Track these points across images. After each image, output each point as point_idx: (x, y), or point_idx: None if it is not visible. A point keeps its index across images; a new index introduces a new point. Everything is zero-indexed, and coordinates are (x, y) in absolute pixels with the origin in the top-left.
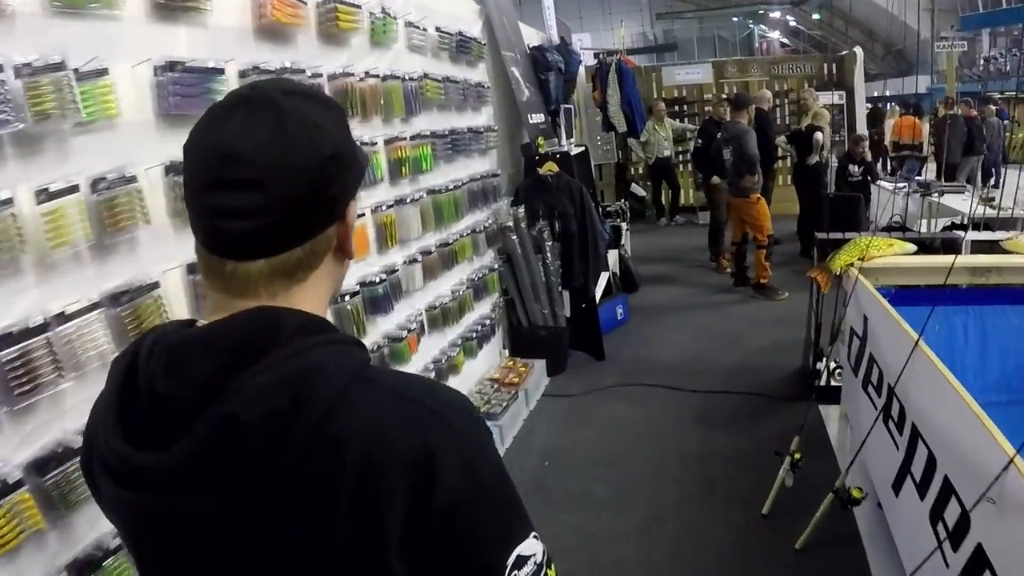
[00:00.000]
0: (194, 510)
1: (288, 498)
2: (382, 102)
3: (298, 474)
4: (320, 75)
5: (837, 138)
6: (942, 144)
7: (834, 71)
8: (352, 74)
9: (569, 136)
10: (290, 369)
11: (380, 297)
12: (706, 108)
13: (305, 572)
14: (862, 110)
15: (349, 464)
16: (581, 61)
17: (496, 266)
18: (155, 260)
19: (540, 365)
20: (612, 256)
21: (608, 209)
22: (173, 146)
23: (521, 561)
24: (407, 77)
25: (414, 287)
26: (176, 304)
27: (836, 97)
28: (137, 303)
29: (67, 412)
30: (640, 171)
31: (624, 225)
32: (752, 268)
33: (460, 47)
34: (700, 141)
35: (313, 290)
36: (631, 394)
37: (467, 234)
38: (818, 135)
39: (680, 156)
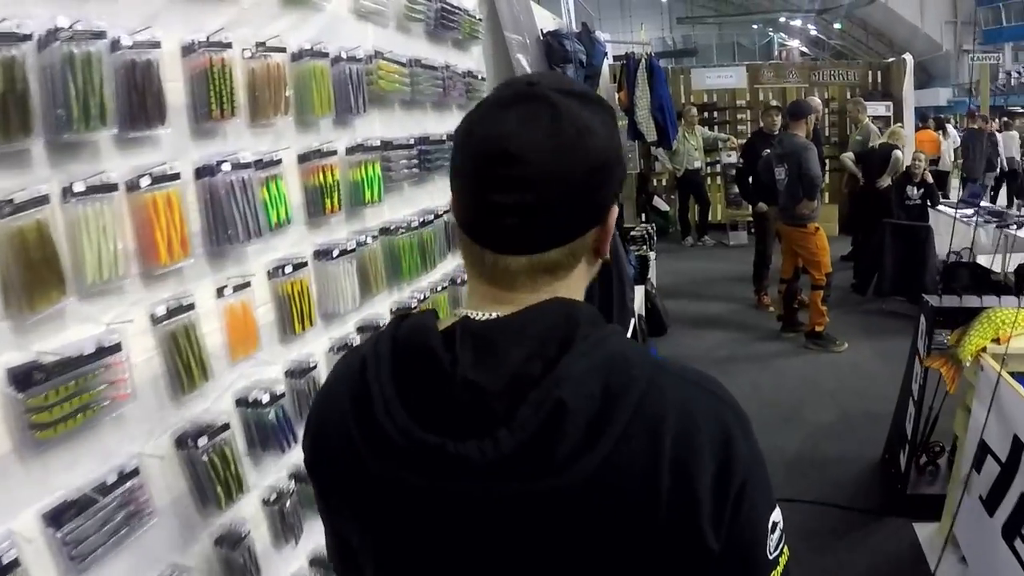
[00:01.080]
0: (511, 494)
1: (610, 477)
2: (287, 94)
3: (621, 452)
4: (155, 44)
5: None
6: (971, 160)
7: (879, 79)
8: (226, 45)
9: None
10: (599, 356)
11: (272, 425)
12: (739, 116)
13: (621, 549)
14: (911, 123)
15: (668, 440)
16: (607, 53)
17: None
18: None
19: None
20: (638, 294)
21: (632, 234)
22: None
23: (774, 526)
24: (344, 56)
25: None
26: None
27: (883, 108)
28: None
29: None
30: (663, 182)
31: (652, 254)
32: (804, 310)
33: (443, 20)
34: (742, 161)
35: (572, 287)
36: None
37: (443, 288)
38: (898, 154)
39: (710, 168)
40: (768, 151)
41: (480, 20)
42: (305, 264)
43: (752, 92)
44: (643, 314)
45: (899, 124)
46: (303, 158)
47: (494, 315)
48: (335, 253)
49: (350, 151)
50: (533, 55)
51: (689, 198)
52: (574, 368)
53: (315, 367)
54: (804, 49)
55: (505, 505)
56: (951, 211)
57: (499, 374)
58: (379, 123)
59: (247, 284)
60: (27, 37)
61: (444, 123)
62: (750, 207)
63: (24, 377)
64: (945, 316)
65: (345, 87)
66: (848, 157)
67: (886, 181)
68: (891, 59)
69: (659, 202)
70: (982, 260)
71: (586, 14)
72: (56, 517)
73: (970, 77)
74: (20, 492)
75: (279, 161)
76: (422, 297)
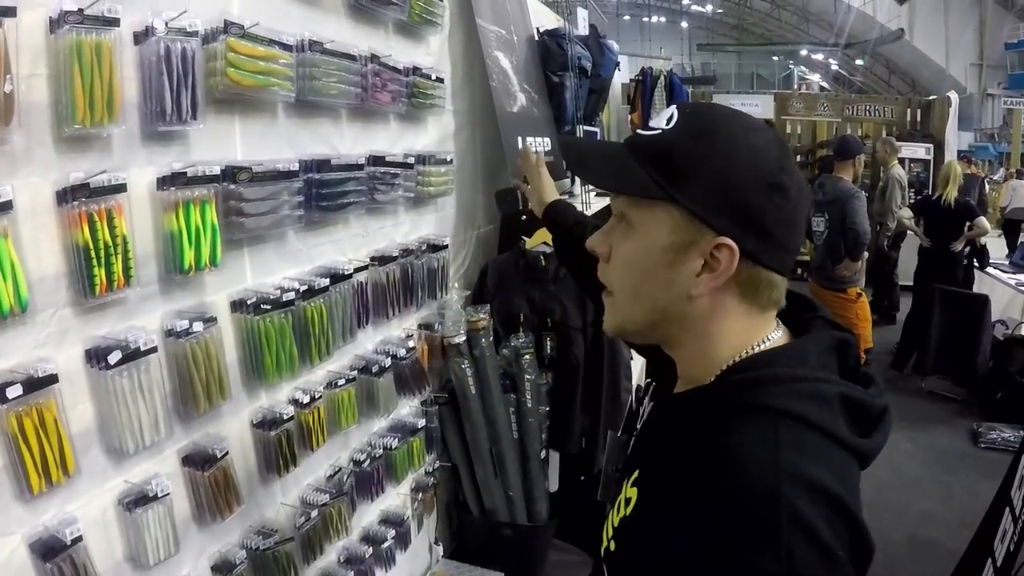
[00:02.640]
0: None
1: None
2: (7, 89)
3: None
4: None
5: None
6: None
7: (918, 117)
8: None
9: None
10: None
11: None
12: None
13: None
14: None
15: None
16: (618, 64)
17: (423, 423)
18: None
19: None
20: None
21: None
22: None
23: None
24: (158, 27)
25: (149, 557)
26: None
27: (922, 151)
28: None
29: None
30: None
31: None
32: None
33: None
34: None
35: None
36: None
37: (348, 379)
38: (982, 221)
39: None
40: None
41: (441, 1)
42: (52, 379)
43: (779, 123)
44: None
45: (955, 160)
46: (63, 197)
47: None
48: (113, 358)
49: (164, 183)
50: (520, 56)
51: None
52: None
53: (78, 540)
54: (824, 84)
55: None
56: (1002, 275)
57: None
58: (240, 139)
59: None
60: None
61: (365, 140)
62: None
63: None
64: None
65: (158, 79)
66: (906, 216)
67: (960, 244)
68: (932, 97)
69: None
70: None
71: (599, 17)
72: None
73: (993, 122)
74: None
75: (5, 205)
76: (307, 400)
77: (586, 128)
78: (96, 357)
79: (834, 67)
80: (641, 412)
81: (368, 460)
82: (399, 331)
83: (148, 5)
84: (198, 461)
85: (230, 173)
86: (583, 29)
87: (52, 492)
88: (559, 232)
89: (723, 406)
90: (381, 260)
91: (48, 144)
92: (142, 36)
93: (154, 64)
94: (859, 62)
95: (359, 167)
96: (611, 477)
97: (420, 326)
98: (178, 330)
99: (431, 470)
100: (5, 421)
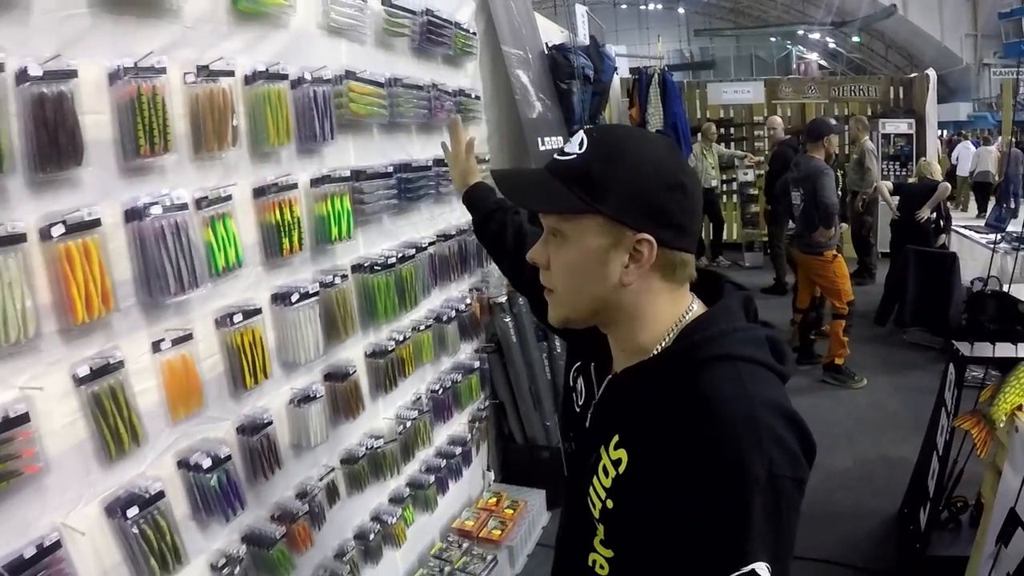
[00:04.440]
0: None
1: None
2: (235, 123)
3: None
4: (71, 73)
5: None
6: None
7: (900, 95)
8: (160, 70)
9: None
10: None
11: (215, 491)
12: (757, 132)
13: None
14: (934, 141)
15: None
16: (616, 68)
17: (478, 364)
18: None
19: (538, 498)
20: None
21: None
22: None
23: None
24: (308, 77)
25: (309, 440)
26: None
27: (905, 125)
28: None
29: None
30: None
31: None
32: (821, 341)
33: (430, 35)
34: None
35: None
36: None
37: (427, 326)
38: (946, 187)
39: (726, 186)
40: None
41: (474, 34)
42: (258, 311)
43: (770, 107)
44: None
45: (924, 159)
46: (258, 193)
47: None
48: (295, 297)
49: (315, 183)
50: (535, 70)
51: (703, 217)
52: None
53: (270, 423)
54: (822, 62)
55: None
56: (976, 235)
57: None
58: (353, 151)
59: (188, 336)
60: None
61: (431, 147)
62: (766, 227)
63: None
64: (977, 365)
65: (309, 112)
66: (887, 186)
67: (926, 213)
68: (913, 74)
69: None
70: (1014, 290)
71: (599, 27)
72: None
73: (991, 91)
74: None
75: (228, 198)
76: (402, 338)
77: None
78: (279, 298)
79: (831, 45)
80: (578, 388)
81: (441, 389)
82: (458, 292)
83: (300, 63)
84: (336, 376)
85: (355, 175)
86: (584, 38)
87: (257, 389)
88: (479, 214)
89: (689, 361)
90: (444, 237)
91: (247, 158)
92: (296, 84)
93: (305, 102)
94: (855, 39)
95: (428, 168)
96: (572, 452)
97: (472, 288)
98: (326, 282)
99: (483, 407)
100: (230, 338)
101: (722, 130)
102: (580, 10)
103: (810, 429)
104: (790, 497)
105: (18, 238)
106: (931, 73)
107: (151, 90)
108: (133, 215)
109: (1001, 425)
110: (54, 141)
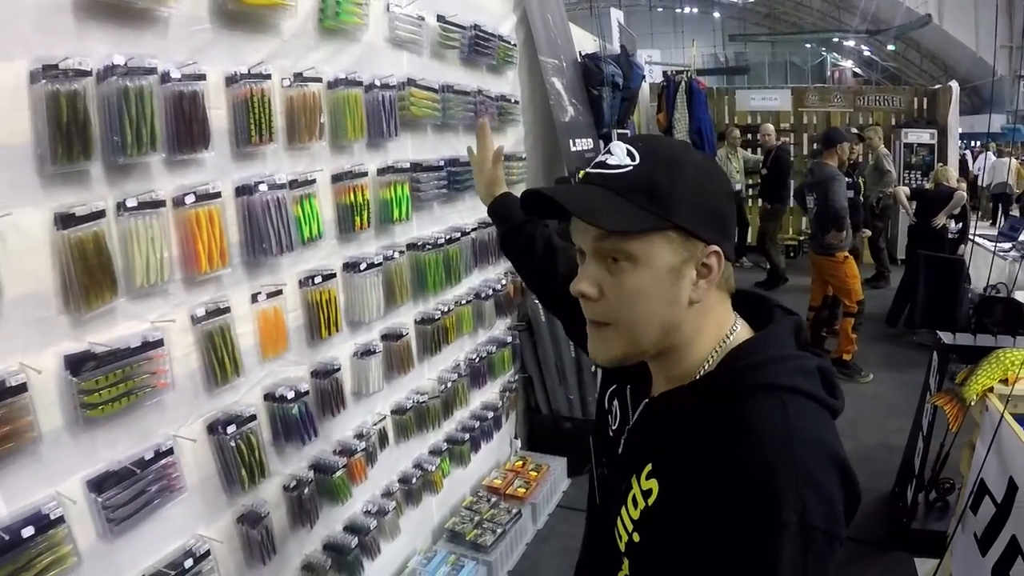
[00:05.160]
0: None
1: None
2: (322, 120)
3: None
4: (200, 77)
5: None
6: None
7: (924, 105)
8: (266, 76)
9: None
10: None
11: (295, 419)
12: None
13: None
14: (955, 151)
15: None
16: (644, 76)
17: (510, 339)
18: None
19: (560, 464)
20: None
21: None
22: None
23: None
24: (377, 83)
25: (368, 388)
26: None
27: (927, 136)
28: None
29: None
30: None
31: None
32: (832, 339)
33: (477, 47)
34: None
35: None
36: None
37: (467, 301)
38: (962, 195)
39: (750, 190)
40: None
41: (515, 46)
42: (334, 275)
43: (796, 115)
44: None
45: (941, 165)
46: (336, 178)
47: None
48: (363, 266)
49: (381, 172)
50: (569, 78)
51: None
52: None
53: (339, 369)
54: (857, 70)
55: None
56: (989, 244)
57: None
58: (411, 146)
59: (279, 292)
60: (87, 73)
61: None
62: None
63: (78, 364)
64: (958, 354)
65: (378, 113)
66: (903, 192)
67: (942, 219)
68: (937, 86)
69: None
70: (1020, 296)
71: (630, 37)
72: (99, 484)
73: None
74: (68, 461)
75: (313, 181)
76: (446, 309)
77: (619, 131)
78: (350, 266)
79: (866, 53)
80: (612, 411)
81: (477, 358)
82: (494, 274)
83: (371, 71)
84: (392, 337)
85: (413, 166)
86: (615, 47)
87: (328, 341)
88: (506, 226)
89: (731, 389)
90: (485, 225)
91: (327, 150)
92: (368, 89)
93: (375, 105)
94: (890, 47)
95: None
96: (604, 477)
97: (507, 272)
98: (387, 256)
99: (514, 379)
100: (310, 296)
101: (748, 135)
102: (614, 18)
103: (858, 479)
104: (820, 552)
105: (159, 203)
106: (954, 85)
107: (260, 92)
108: (244, 190)
109: (972, 403)
110: (189, 130)
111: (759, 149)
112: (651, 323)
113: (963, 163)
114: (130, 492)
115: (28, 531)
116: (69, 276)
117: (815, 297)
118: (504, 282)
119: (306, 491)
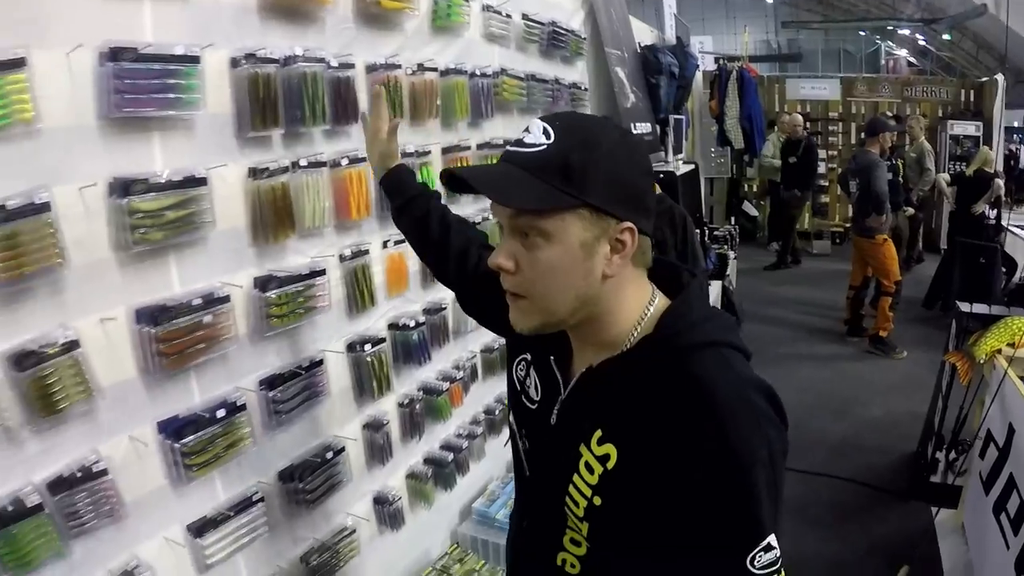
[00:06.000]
0: None
1: None
2: (438, 102)
3: None
4: (351, 66)
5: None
6: None
7: (971, 98)
8: (398, 66)
9: (678, 152)
10: None
11: (414, 345)
12: (831, 127)
13: None
14: (1000, 143)
15: None
16: (699, 66)
17: None
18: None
19: None
20: (714, 289)
21: (716, 233)
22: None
23: None
24: (477, 72)
25: (467, 327)
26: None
27: (972, 128)
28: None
29: None
30: (754, 188)
31: (732, 253)
32: (870, 318)
33: (553, 40)
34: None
35: None
36: None
37: None
38: (999, 183)
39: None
40: (848, 165)
41: (584, 39)
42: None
43: (845, 105)
44: (719, 306)
45: (983, 147)
46: (445, 151)
47: None
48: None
49: (480, 147)
50: (630, 67)
51: (767, 200)
52: None
53: (445, 308)
54: (911, 59)
55: None
56: (1021, 232)
57: None
58: (502, 125)
59: (403, 241)
60: (276, 60)
61: None
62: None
63: (264, 283)
64: (973, 320)
65: (477, 97)
66: (944, 178)
67: (981, 207)
68: (984, 79)
69: (748, 207)
70: None
71: (685, 28)
72: (270, 383)
73: None
74: (248, 362)
75: (429, 152)
76: None
77: (675, 116)
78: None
79: (921, 42)
80: (529, 383)
81: None
82: None
83: (472, 62)
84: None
85: (504, 143)
86: (671, 38)
87: (435, 285)
88: (400, 199)
89: (674, 350)
90: None
91: (439, 127)
92: (471, 77)
93: (476, 90)
94: (945, 37)
95: None
96: (531, 450)
97: None
98: (485, 217)
99: None
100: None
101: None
102: (668, 9)
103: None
104: (781, 466)
105: (322, 164)
106: (999, 78)
107: (393, 79)
108: None
109: (981, 361)
110: (344, 108)
111: (840, 138)
112: (565, 296)
113: (1010, 157)
114: (291, 391)
115: (221, 412)
116: (260, 216)
117: (855, 277)
118: None
119: (417, 408)
